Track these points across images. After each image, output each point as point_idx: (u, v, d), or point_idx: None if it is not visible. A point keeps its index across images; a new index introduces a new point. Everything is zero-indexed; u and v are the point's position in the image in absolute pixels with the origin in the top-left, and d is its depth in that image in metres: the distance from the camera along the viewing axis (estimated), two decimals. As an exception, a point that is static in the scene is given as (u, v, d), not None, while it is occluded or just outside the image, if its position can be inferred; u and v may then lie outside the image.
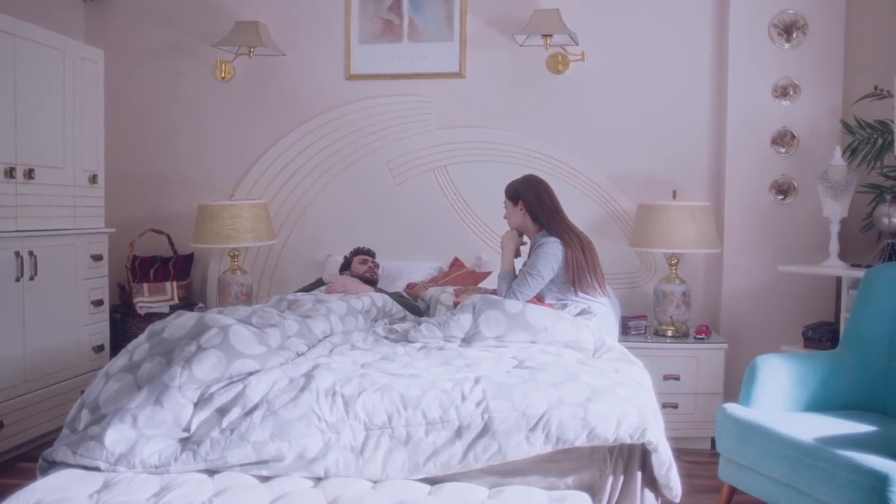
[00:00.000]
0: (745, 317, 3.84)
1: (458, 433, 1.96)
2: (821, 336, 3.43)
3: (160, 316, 4.04)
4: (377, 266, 3.84)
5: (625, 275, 4.01)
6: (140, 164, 4.45)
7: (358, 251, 3.89)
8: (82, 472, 1.97)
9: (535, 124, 4.10)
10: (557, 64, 4.05)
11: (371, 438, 1.99)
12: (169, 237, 4.34)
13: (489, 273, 3.81)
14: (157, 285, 4.07)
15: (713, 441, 3.54)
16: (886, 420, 2.60)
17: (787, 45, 3.77)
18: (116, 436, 1.98)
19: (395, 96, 4.20)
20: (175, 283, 4.10)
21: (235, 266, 4.01)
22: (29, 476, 3.14)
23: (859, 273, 3.18)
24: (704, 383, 3.56)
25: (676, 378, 3.54)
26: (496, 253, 4.06)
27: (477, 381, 2.08)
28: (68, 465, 2.01)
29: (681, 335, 3.67)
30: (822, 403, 2.72)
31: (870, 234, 3.57)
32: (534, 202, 3.13)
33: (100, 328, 3.88)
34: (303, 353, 2.46)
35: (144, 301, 4.01)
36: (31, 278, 3.37)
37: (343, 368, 2.21)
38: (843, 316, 3.25)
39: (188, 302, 4.21)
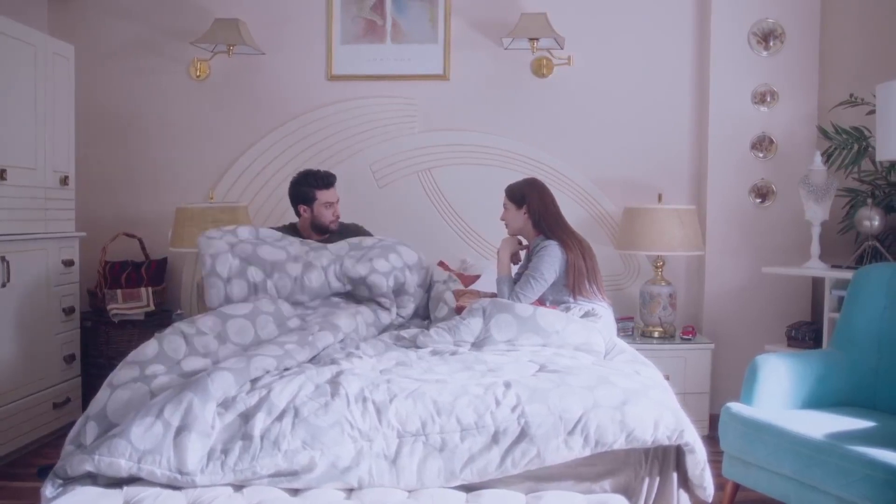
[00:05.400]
0: (728, 317, 3.93)
1: (495, 439, 1.94)
2: (804, 335, 3.54)
3: (134, 324, 3.89)
4: None
5: (609, 277, 4.04)
6: (109, 165, 4.26)
7: (318, 178, 3.35)
8: (100, 490, 1.86)
9: (519, 128, 4.11)
10: (542, 68, 4.07)
11: (405, 446, 1.94)
12: (141, 241, 4.17)
13: (478, 276, 3.79)
14: (132, 291, 3.90)
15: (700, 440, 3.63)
16: (880, 415, 2.69)
17: (765, 53, 3.88)
18: (141, 430, 1.89)
19: (378, 98, 4.14)
20: (150, 289, 3.94)
21: (215, 271, 3.87)
22: (6, 495, 2.98)
23: (842, 274, 3.29)
24: (692, 383, 3.63)
25: (665, 378, 3.57)
26: (482, 257, 4.06)
27: (508, 385, 2.06)
28: (80, 484, 1.90)
29: (668, 336, 3.73)
30: (817, 401, 2.79)
31: (846, 236, 3.70)
32: (539, 207, 3.13)
33: (71, 336, 3.70)
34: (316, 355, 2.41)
35: (119, 308, 3.83)
36: (4, 285, 3.19)
37: (367, 374, 2.16)
38: (827, 316, 3.35)
39: (164, 308, 4.05)
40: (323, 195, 3.38)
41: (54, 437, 3.56)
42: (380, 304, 2.93)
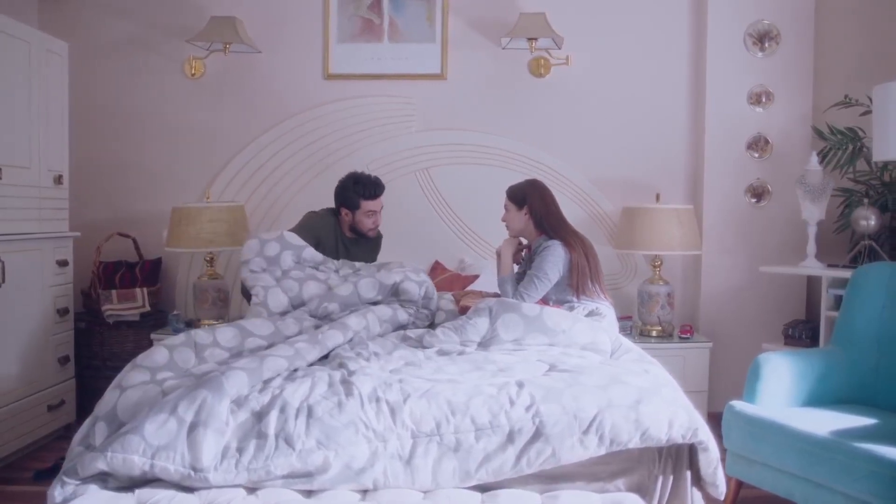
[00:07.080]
0: (725, 316, 3.96)
1: (510, 438, 1.93)
2: (800, 334, 3.57)
3: (129, 324, 3.84)
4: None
5: (607, 277, 4.01)
6: (103, 164, 4.21)
7: (366, 188, 3.37)
8: (112, 493, 1.83)
9: (516, 127, 4.11)
10: (540, 67, 4.08)
11: (419, 446, 1.93)
12: (135, 241, 4.12)
13: (477, 276, 3.79)
14: (127, 291, 3.85)
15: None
16: (881, 413, 2.72)
17: (760, 54, 3.92)
18: (154, 426, 1.87)
19: (375, 97, 4.13)
20: (145, 290, 3.89)
21: (211, 271, 3.84)
22: (2, 498, 2.93)
23: (839, 273, 3.32)
24: (691, 382, 3.64)
25: (664, 377, 3.60)
26: (480, 257, 4.06)
27: (521, 385, 2.05)
28: (91, 484, 1.87)
29: (666, 335, 3.75)
30: (818, 399, 2.82)
31: (841, 236, 3.74)
32: (540, 208, 3.14)
33: (65, 338, 3.64)
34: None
35: (113, 309, 3.78)
36: (-1, 286, 3.14)
37: (378, 374, 2.15)
38: (824, 314, 3.39)
39: (159, 309, 4.01)
40: (367, 205, 3.43)
41: (49, 440, 3.52)
42: (402, 306, 2.93)
